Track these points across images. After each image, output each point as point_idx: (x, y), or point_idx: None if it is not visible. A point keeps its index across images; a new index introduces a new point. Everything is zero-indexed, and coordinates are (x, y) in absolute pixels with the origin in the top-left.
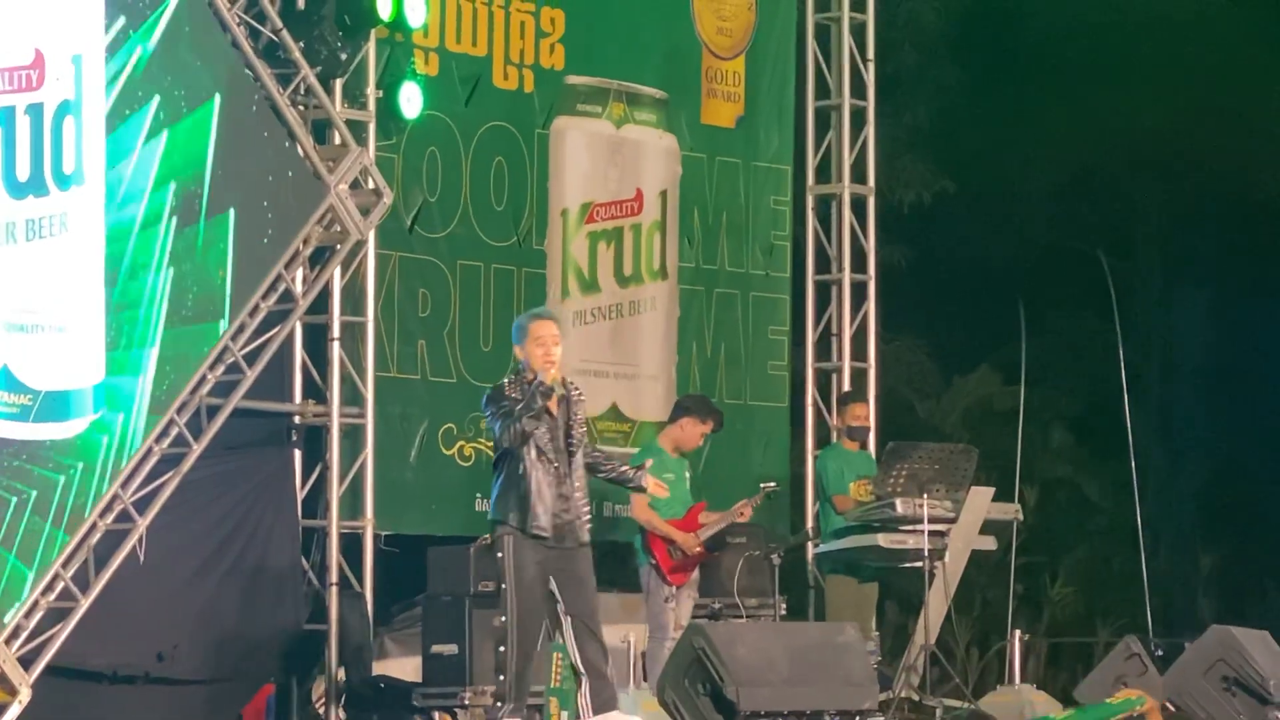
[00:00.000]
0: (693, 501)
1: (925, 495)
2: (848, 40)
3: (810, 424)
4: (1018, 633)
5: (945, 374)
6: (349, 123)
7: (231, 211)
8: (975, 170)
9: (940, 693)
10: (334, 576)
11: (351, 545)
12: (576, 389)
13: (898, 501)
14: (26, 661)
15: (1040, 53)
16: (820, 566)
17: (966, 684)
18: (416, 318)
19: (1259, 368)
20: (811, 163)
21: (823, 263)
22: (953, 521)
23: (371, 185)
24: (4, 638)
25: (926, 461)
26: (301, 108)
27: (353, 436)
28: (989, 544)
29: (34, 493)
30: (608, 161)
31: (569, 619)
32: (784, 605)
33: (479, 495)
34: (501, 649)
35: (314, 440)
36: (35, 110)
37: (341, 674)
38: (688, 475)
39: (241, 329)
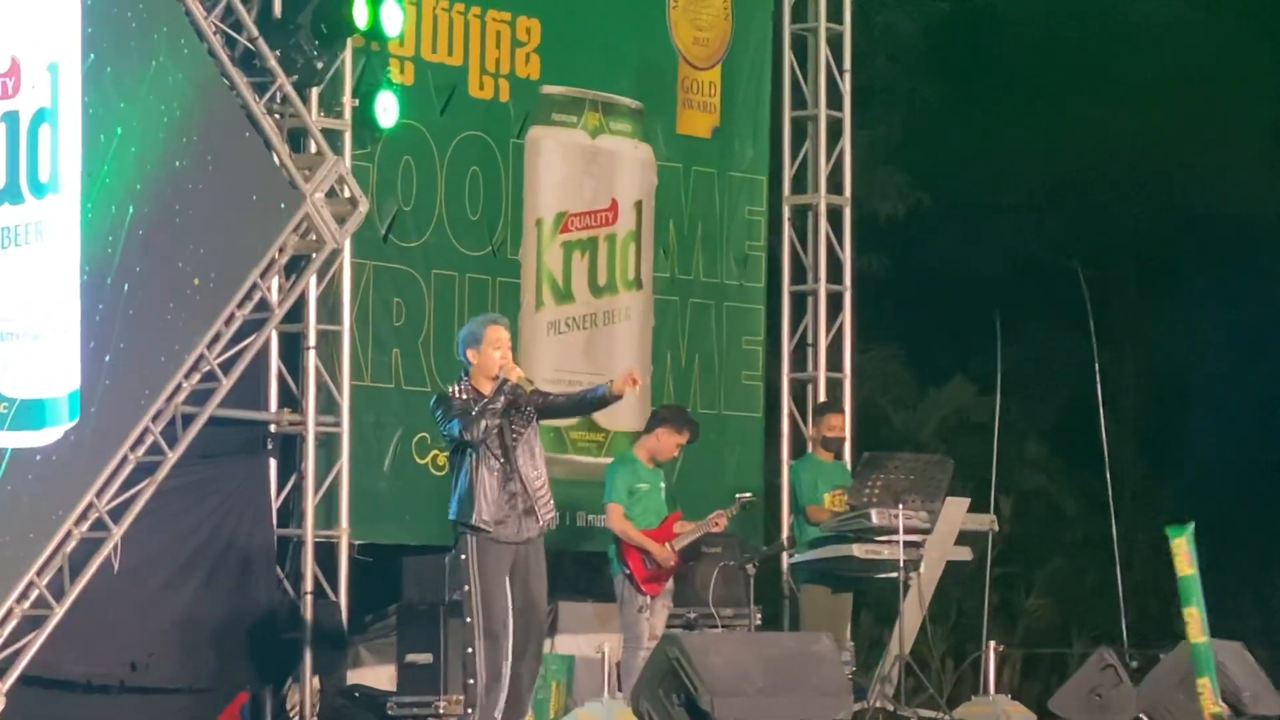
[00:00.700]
0: (668, 511)
1: (901, 506)
2: (824, 51)
3: (786, 434)
4: (993, 643)
5: (920, 384)
6: (325, 131)
7: None
8: (951, 181)
9: (915, 703)
10: (309, 585)
11: (326, 554)
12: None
13: (873, 512)
14: (0, 670)
15: (1015, 64)
16: (795, 577)
17: (941, 695)
18: (391, 327)
19: (1236, 379)
20: (788, 173)
21: (799, 273)
22: (928, 532)
23: (347, 194)
24: None
25: (902, 472)
26: (277, 116)
27: (328, 445)
28: (964, 554)
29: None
30: (583, 171)
31: (513, 620)
32: (759, 615)
33: None
34: (470, 650)
35: (288, 449)
36: (11, 118)
37: (316, 683)
38: (662, 485)
39: (217, 338)
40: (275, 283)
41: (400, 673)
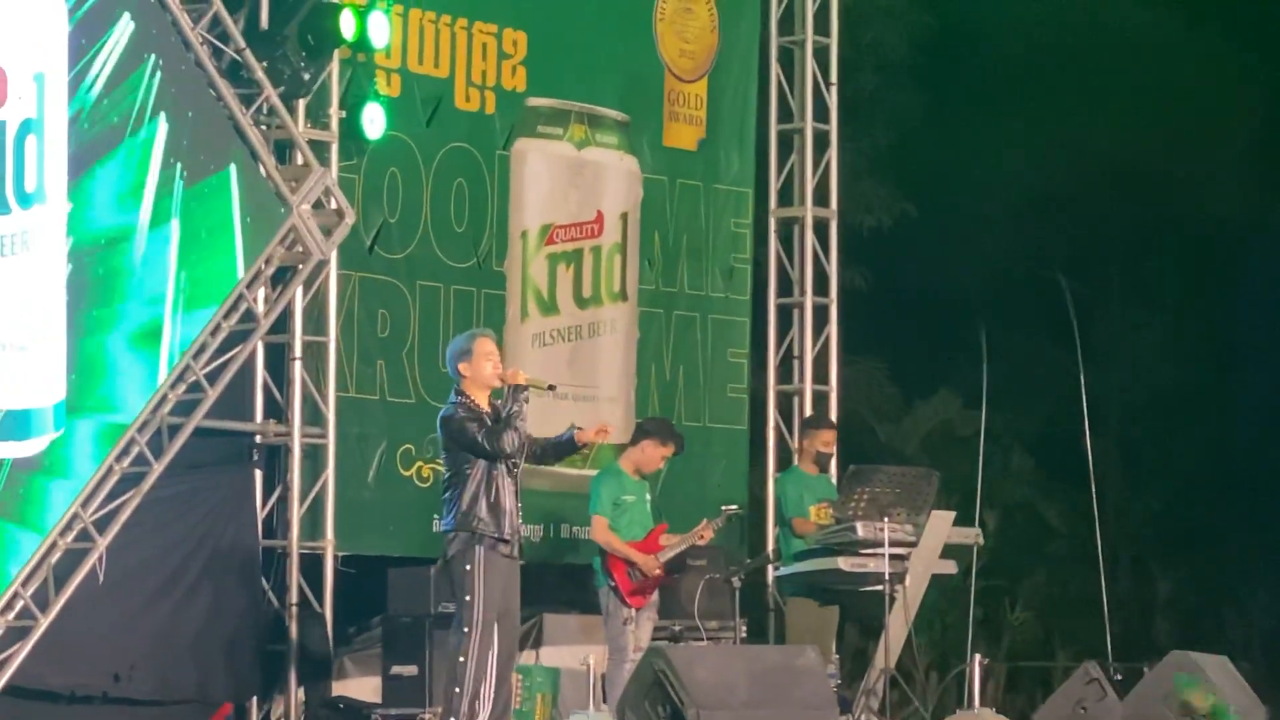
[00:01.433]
0: (653, 524)
1: (886, 519)
2: (811, 64)
3: (772, 447)
4: (977, 657)
5: (906, 397)
6: (311, 143)
7: None
8: (936, 194)
9: (899, 716)
10: (294, 597)
11: (311, 566)
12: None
13: (859, 524)
14: None
15: (1001, 78)
16: (781, 589)
17: (926, 708)
18: (376, 338)
19: (1218, 393)
20: (774, 185)
21: (784, 285)
22: (913, 545)
23: (334, 205)
24: None
25: (888, 485)
26: (264, 127)
27: (313, 456)
28: (949, 568)
29: None
30: (568, 183)
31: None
32: (744, 628)
33: (437, 516)
34: (461, 660)
35: (273, 460)
36: None
37: (301, 694)
38: (648, 498)
39: (203, 348)
40: (261, 294)
41: (385, 684)
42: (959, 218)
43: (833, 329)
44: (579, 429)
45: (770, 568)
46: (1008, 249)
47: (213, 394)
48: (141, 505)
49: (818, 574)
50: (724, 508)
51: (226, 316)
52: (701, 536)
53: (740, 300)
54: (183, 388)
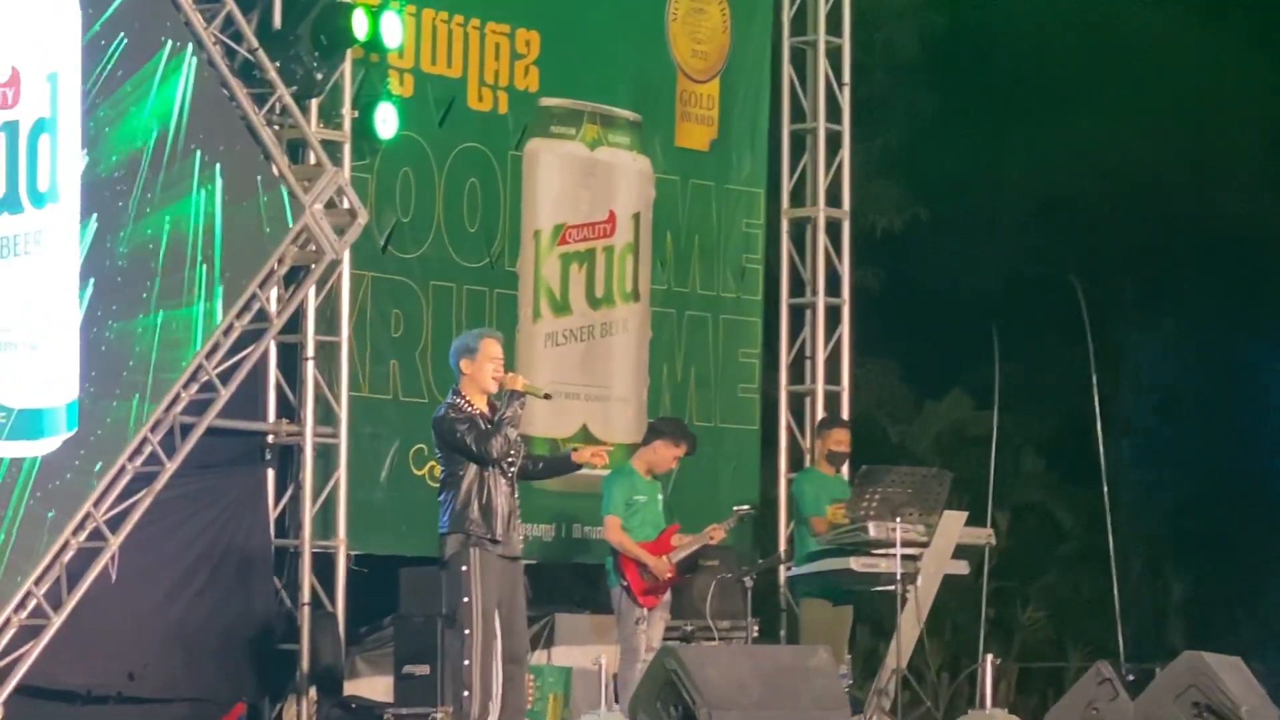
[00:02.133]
0: (665, 524)
1: (898, 519)
2: (823, 64)
3: (784, 447)
4: (989, 657)
5: (918, 398)
6: (324, 143)
7: None
8: (949, 195)
9: (911, 717)
10: (306, 596)
11: (324, 565)
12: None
13: (870, 525)
14: None
15: (1013, 79)
16: (794, 590)
17: (937, 708)
18: (389, 338)
19: (1231, 394)
20: (786, 186)
21: (797, 286)
22: (925, 545)
23: (346, 205)
24: None
25: (900, 485)
26: (277, 127)
27: (325, 456)
28: (961, 568)
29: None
30: (581, 183)
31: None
32: (756, 628)
33: None
34: (466, 663)
35: (286, 459)
36: (10, 128)
37: (313, 693)
38: (660, 498)
39: (216, 348)
40: (274, 293)
41: (397, 684)
42: (971, 218)
43: (845, 329)
44: (575, 449)
45: (782, 568)
46: (1020, 250)
47: (225, 393)
48: (154, 504)
49: (830, 574)
50: (736, 507)
51: (239, 316)
52: (713, 537)
53: (752, 300)
54: (195, 387)
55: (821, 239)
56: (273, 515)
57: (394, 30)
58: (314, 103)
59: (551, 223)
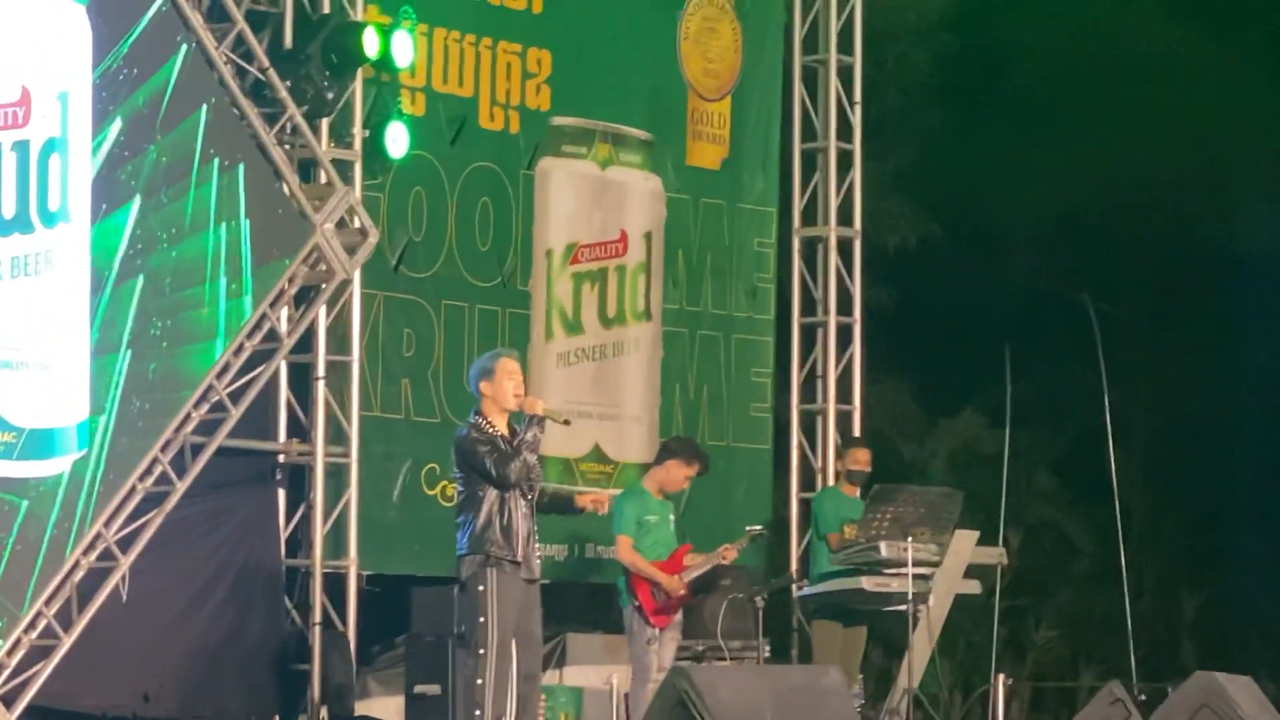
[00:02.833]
0: (677, 544)
1: (910, 538)
2: (835, 83)
3: (795, 466)
4: (1001, 676)
5: (930, 417)
6: (335, 162)
7: None
8: (961, 213)
9: None
10: (317, 616)
11: (335, 585)
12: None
13: (882, 544)
14: (9, 700)
15: (1025, 97)
16: (805, 610)
17: None
18: (401, 357)
19: (1244, 413)
20: (798, 205)
21: (808, 305)
22: (937, 564)
23: (357, 224)
24: None
25: (911, 504)
26: (288, 147)
27: (336, 476)
28: (973, 587)
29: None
30: (592, 203)
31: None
32: (767, 648)
33: None
34: (479, 682)
35: (297, 479)
36: (21, 147)
37: (324, 713)
38: (672, 518)
39: (226, 368)
40: (285, 313)
41: (408, 704)
42: (983, 237)
43: (856, 348)
44: (580, 493)
45: (794, 587)
46: (1032, 268)
47: (236, 413)
48: (164, 524)
49: (842, 594)
50: (748, 528)
51: (250, 335)
52: (725, 557)
53: (764, 319)
54: (206, 407)
55: (833, 258)
56: (284, 535)
57: (405, 49)
58: (325, 122)
59: (563, 242)
